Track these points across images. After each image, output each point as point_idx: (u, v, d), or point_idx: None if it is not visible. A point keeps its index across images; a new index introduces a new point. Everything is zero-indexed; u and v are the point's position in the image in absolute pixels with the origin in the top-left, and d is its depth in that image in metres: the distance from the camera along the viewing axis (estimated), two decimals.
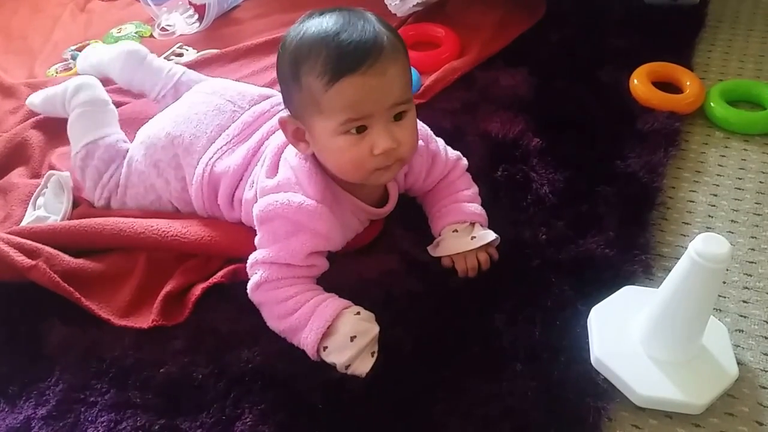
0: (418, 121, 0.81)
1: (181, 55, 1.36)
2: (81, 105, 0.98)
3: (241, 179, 0.84)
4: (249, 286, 0.76)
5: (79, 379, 0.74)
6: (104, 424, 0.69)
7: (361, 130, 0.71)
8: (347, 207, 0.80)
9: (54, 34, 1.51)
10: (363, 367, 0.70)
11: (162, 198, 0.90)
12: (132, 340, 0.77)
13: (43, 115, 1.11)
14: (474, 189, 0.87)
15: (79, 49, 1.40)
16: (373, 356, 0.70)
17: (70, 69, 1.35)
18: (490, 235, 0.81)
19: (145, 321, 0.78)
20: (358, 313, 0.72)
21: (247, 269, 0.77)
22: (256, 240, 0.78)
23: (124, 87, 1.10)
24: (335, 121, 0.70)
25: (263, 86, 1.02)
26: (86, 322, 0.79)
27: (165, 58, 1.35)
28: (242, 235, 0.82)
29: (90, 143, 0.94)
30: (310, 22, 0.72)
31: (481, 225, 0.83)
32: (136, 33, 1.46)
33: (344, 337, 0.70)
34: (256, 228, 0.78)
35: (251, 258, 0.77)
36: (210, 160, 0.86)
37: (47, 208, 0.93)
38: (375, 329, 0.71)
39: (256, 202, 0.79)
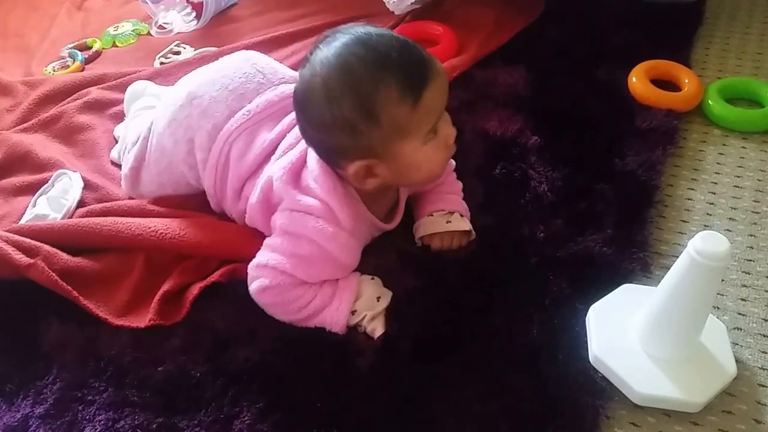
0: None
1: (178, 53, 1.36)
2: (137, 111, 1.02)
3: (249, 177, 0.82)
4: (253, 289, 0.75)
5: (76, 378, 0.73)
6: (102, 422, 0.69)
7: (436, 132, 0.72)
8: (365, 225, 0.80)
9: (51, 32, 1.51)
10: (381, 328, 0.74)
11: (172, 163, 0.88)
12: (130, 339, 0.77)
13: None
14: (458, 185, 0.89)
15: (77, 47, 1.41)
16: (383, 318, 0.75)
17: (67, 67, 1.34)
18: (466, 225, 0.84)
19: (142, 320, 0.78)
20: (372, 278, 0.78)
21: (251, 269, 0.76)
22: (270, 241, 0.76)
23: None
24: (422, 132, 0.71)
25: None
26: (84, 320, 0.79)
27: (162, 56, 1.35)
28: (241, 238, 0.82)
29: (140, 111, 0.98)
30: (348, 50, 0.67)
31: (461, 215, 0.84)
32: (133, 31, 1.46)
33: (371, 298, 0.75)
34: (274, 231, 0.77)
35: (260, 259, 0.75)
36: (228, 138, 0.83)
37: (51, 206, 0.93)
38: (390, 292, 0.77)
39: (261, 207, 0.78)
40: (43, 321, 0.79)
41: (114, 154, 1.04)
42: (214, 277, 0.80)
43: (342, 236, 0.74)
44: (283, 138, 0.82)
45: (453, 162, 0.88)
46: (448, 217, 0.84)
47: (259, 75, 0.87)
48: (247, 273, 0.77)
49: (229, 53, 1.24)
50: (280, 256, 0.74)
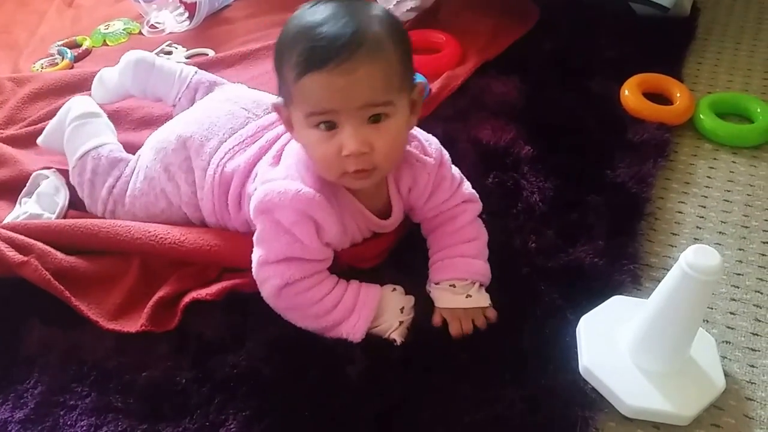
0: (435, 140, 0.81)
1: (170, 53, 1.35)
2: (72, 121, 0.95)
3: (249, 174, 0.82)
4: (267, 293, 0.74)
5: (58, 382, 0.72)
6: (84, 428, 0.68)
7: (330, 127, 0.68)
8: (346, 206, 0.77)
9: (40, 28, 1.49)
10: (401, 333, 0.74)
11: (173, 205, 0.87)
12: (114, 343, 0.75)
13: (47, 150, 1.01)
14: (483, 239, 0.82)
15: (66, 45, 1.39)
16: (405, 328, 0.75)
17: (56, 64, 1.33)
18: (486, 299, 0.78)
19: (133, 325, 0.76)
20: (394, 288, 0.77)
21: (255, 274, 0.74)
22: (256, 236, 0.75)
23: (140, 97, 1.07)
24: (302, 112, 0.69)
25: (264, 92, 1.00)
26: (67, 322, 0.77)
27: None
28: (241, 244, 0.80)
29: (82, 156, 0.91)
30: (304, 11, 0.70)
31: (482, 285, 0.79)
32: (124, 30, 1.45)
33: (394, 311, 0.75)
34: (254, 218, 0.75)
35: (257, 260, 0.74)
36: (221, 160, 0.83)
37: (42, 205, 0.91)
38: (412, 298, 0.77)
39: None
40: (25, 323, 0.78)
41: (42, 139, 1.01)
42: (211, 294, 0.78)
43: (307, 192, 0.71)
44: (275, 141, 0.83)
45: (480, 205, 0.83)
46: (469, 289, 0.77)
47: (243, 111, 0.88)
48: (247, 289, 0.76)
49: (227, 59, 1.26)
50: (270, 243, 0.73)
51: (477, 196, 0.84)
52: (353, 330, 0.73)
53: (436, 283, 0.79)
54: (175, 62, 1.09)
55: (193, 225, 0.87)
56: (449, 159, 0.83)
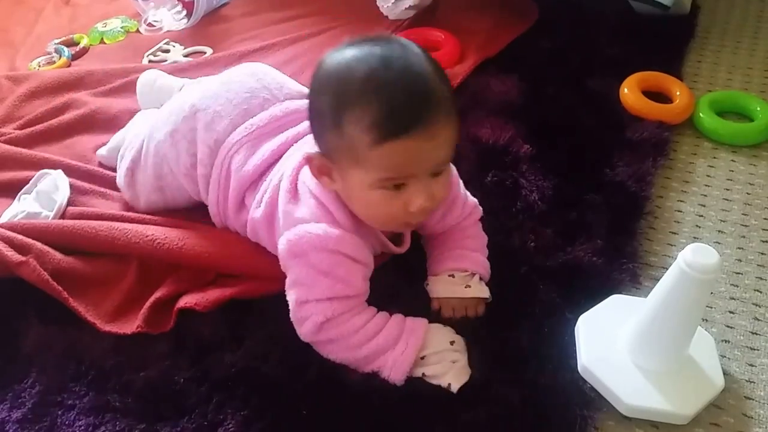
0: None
1: (167, 51, 1.34)
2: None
3: (250, 186, 0.80)
4: (308, 330, 0.70)
5: (56, 381, 0.72)
6: (82, 428, 0.67)
7: (398, 186, 0.66)
8: (369, 239, 0.75)
9: (37, 26, 1.49)
10: (458, 381, 0.69)
11: (172, 172, 0.85)
12: (112, 342, 0.75)
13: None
14: (483, 239, 0.82)
15: (64, 43, 1.38)
16: (467, 370, 0.70)
17: (53, 62, 1.32)
18: (485, 291, 0.77)
19: (129, 327, 0.76)
20: (443, 326, 0.73)
21: (294, 314, 0.70)
22: (290, 280, 0.71)
23: None
24: (373, 176, 0.65)
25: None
26: (65, 321, 0.77)
27: (151, 54, 1.33)
28: (240, 250, 0.80)
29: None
30: (357, 59, 0.64)
31: (481, 277, 0.78)
32: (121, 28, 1.44)
33: (443, 343, 0.70)
34: (285, 261, 0.72)
35: (295, 301, 0.70)
36: (228, 152, 0.81)
37: (41, 202, 0.91)
38: (462, 338, 0.72)
39: (264, 222, 0.76)
40: (23, 322, 0.78)
41: (103, 152, 1.02)
42: (206, 305, 0.77)
43: (349, 236, 0.70)
44: (287, 150, 0.80)
45: (481, 210, 0.83)
46: (468, 280, 0.77)
47: (265, 91, 0.85)
48: (243, 297, 0.76)
49: (223, 59, 1.25)
50: (310, 287, 0.69)
51: (477, 202, 0.83)
52: (401, 359, 0.68)
53: (436, 275, 0.78)
54: (174, 78, 1.08)
55: (189, 226, 0.86)
56: (457, 176, 0.80)
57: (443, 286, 0.77)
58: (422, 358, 0.69)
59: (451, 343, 0.71)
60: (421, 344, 0.69)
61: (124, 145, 0.94)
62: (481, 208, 0.83)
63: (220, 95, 0.85)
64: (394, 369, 0.68)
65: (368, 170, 0.65)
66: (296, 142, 0.81)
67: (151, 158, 0.87)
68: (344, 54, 0.66)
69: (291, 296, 0.71)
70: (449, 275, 0.78)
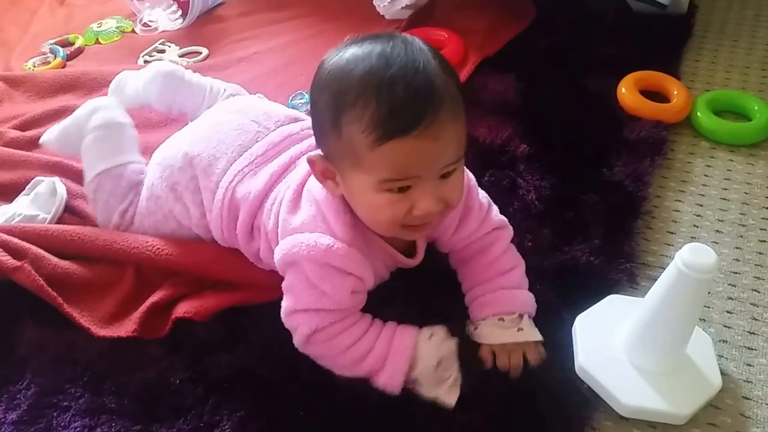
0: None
1: (163, 51, 1.34)
2: (95, 129, 0.87)
3: (261, 206, 0.76)
4: (298, 341, 0.70)
5: (52, 383, 0.71)
6: (77, 429, 0.67)
7: (403, 189, 0.63)
8: (376, 252, 0.72)
9: (32, 26, 1.49)
10: (450, 397, 0.67)
11: (183, 226, 0.83)
12: (108, 344, 0.75)
13: (60, 155, 0.96)
14: (521, 267, 0.77)
15: (59, 43, 1.38)
16: (458, 384, 0.68)
17: (48, 63, 1.32)
18: (537, 334, 0.73)
19: (124, 330, 0.75)
20: (431, 335, 0.70)
21: (284, 321, 0.70)
22: (285, 285, 0.71)
23: (162, 111, 1.01)
24: (376, 178, 0.62)
25: (262, 92, 0.99)
26: (61, 323, 0.77)
27: (146, 54, 1.33)
28: (240, 259, 0.80)
29: (102, 173, 0.85)
30: (356, 58, 0.62)
31: (530, 316, 0.74)
32: (117, 28, 1.44)
33: (428, 367, 0.68)
34: (281, 271, 0.71)
35: (285, 308, 0.70)
36: (230, 183, 0.77)
37: (39, 206, 0.90)
38: (453, 345, 0.69)
39: (273, 233, 0.73)
40: (18, 324, 0.77)
41: (50, 137, 0.93)
42: (204, 315, 0.76)
43: (340, 248, 0.67)
44: (291, 166, 0.77)
45: (511, 231, 0.78)
46: (518, 323, 0.72)
47: (254, 125, 0.82)
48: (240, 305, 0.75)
49: (222, 63, 1.25)
50: (298, 295, 0.69)
51: (506, 221, 0.79)
52: (391, 383, 0.67)
53: (483, 319, 0.74)
54: (202, 77, 1.01)
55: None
56: (476, 184, 0.77)
57: (493, 332, 0.73)
58: (412, 377, 0.68)
59: (438, 363, 0.68)
60: (406, 369, 0.68)
61: (94, 183, 0.86)
62: (511, 229, 0.78)
63: (212, 137, 0.82)
64: (386, 388, 0.68)
65: (370, 172, 0.62)
66: (298, 160, 0.78)
67: (151, 216, 0.84)
68: (344, 53, 0.64)
69: (283, 303, 0.70)
70: (498, 319, 0.73)
